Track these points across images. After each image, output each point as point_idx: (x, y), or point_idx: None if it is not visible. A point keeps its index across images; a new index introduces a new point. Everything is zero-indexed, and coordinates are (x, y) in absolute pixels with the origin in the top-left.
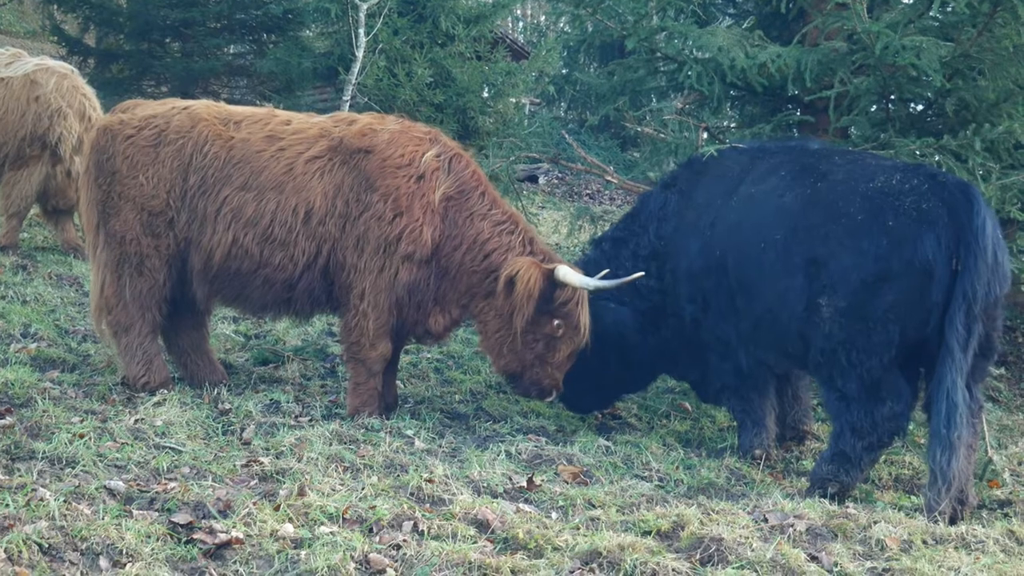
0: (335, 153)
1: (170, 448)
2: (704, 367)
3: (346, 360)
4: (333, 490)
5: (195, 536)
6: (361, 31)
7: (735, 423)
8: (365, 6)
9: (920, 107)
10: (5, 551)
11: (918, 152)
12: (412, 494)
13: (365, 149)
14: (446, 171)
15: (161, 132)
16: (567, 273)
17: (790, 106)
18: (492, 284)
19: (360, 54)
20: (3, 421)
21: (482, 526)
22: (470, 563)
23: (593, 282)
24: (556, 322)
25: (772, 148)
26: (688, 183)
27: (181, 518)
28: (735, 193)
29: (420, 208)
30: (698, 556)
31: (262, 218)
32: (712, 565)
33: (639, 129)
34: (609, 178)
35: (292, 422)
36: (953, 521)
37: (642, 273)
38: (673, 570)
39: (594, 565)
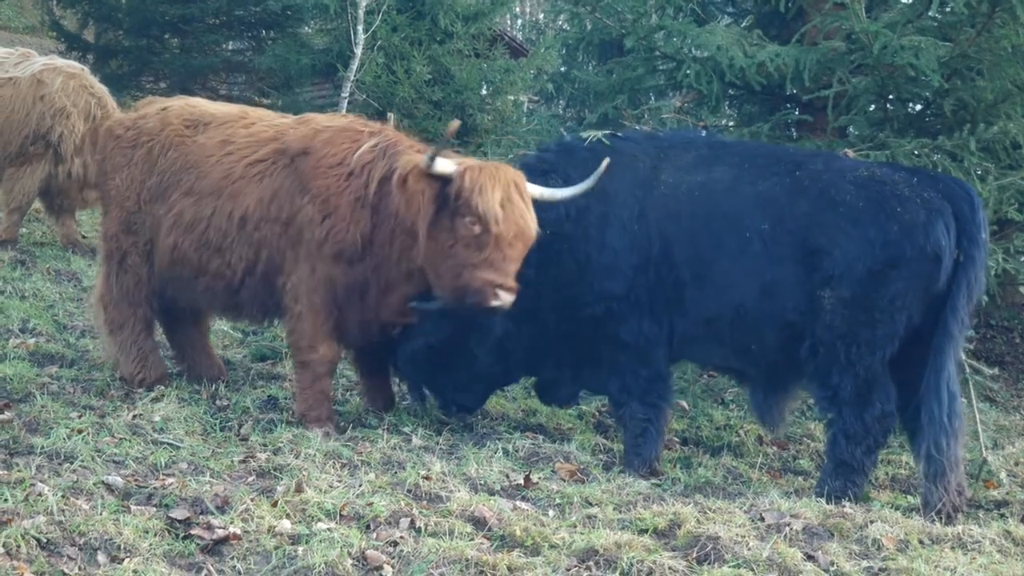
0: (280, 156)
1: (168, 444)
2: (583, 367)
3: (294, 365)
4: (330, 486)
5: (193, 532)
6: (360, 28)
7: (640, 431)
8: (364, 3)
9: (918, 107)
10: (4, 546)
11: (915, 152)
12: (409, 491)
13: (304, 151)
14: (381, 159)
15: (138, 134)
16: (440, 163)
17: (788, 105)
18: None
19: (359, 51)
20: (2, 416)
21: (479, 523)
22: (467, 560)
23: (452, 165)
24: (467, 219)
25: (673, 138)
26: (574, 170)
27: (179, 513)
28: (657, 183)
29: (347, 206)
30: (694, 554)
31: (198, 223)
32: (708, 564)
33: (637, 127)
34: None
35: (290, 418)
36: (956, 512)
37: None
38: (669, 568)
39: (590, 563)
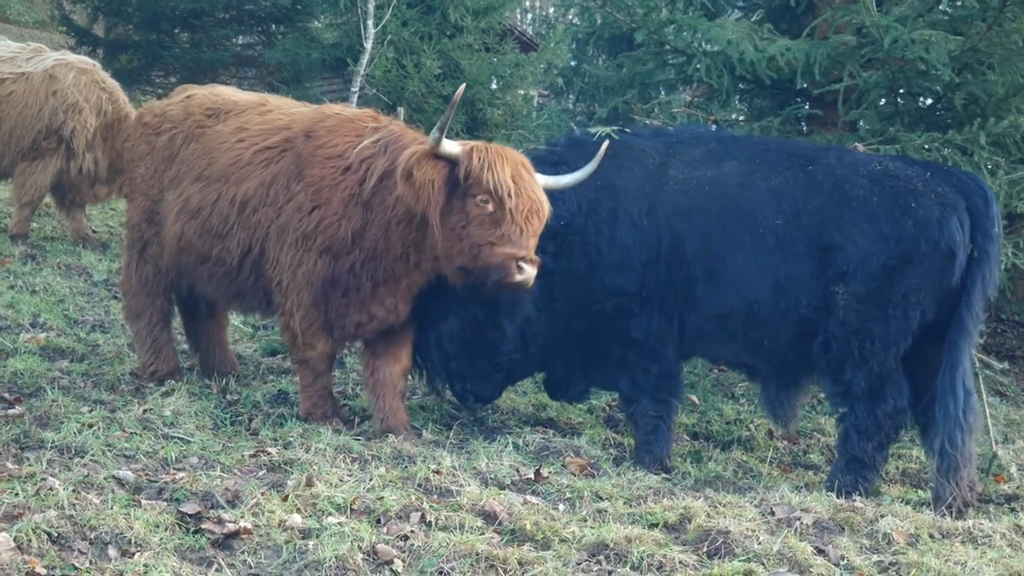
0: (288, 144)
1: (178, 438)
2: (592, 365)
3: (292, 363)
4: (341, 481)
5: (203, 526)
6: (370, 22)
7: (651, 428)
8: None
9: (929, 101)
10: (15, 540)
11: (925, 147)
12: (420, 485)
13: (307, 133)
14: (382, 155)
15: (162, 122)
16: (447, 144)
17: (799, 99)
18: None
19: (369, 45)
20: (12, 411)
21: (489, 517)
22: (477, 554)
23: (457, 146)
24: (479, 198)
25: (682, 133)
26: (584, 162)
27: (190, 508)
28: (666, 179)
29: (340, 201)
30: (705, 549)
31: (202, 209)
32: (719, 558)
33: (648, 122)
34: None
35: (300, 412)
36: (966, 507)
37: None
38: (680, 562)
39: (601, 557)
